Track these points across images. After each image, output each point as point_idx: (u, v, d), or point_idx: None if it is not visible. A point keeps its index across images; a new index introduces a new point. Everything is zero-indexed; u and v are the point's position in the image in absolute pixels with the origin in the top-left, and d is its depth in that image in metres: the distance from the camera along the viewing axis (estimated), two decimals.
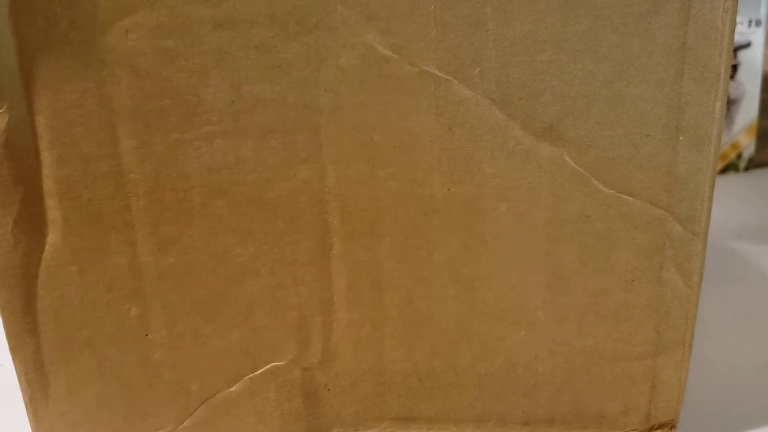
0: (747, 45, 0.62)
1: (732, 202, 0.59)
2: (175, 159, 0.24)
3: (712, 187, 0.25)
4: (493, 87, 0.24)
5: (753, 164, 0.67)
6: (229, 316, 0.27)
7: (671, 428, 0.29)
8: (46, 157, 0.24)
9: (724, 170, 0.66)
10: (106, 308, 0.26)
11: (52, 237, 0.25)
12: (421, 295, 0.26)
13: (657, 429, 0.29)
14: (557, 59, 0.23)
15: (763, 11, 0.61)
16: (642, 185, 0.25)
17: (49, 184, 0.24)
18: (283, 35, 0.23)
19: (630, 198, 0.25)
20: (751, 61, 0.63)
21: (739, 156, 0.66)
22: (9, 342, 0.26)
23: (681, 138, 0.24)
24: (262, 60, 0.23)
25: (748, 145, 0.65)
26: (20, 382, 0.27)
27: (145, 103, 0.24)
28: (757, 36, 0.62)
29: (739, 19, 0.62)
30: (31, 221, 0.25)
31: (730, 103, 0.64)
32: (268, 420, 0.28)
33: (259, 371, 0.27)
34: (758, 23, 0.62)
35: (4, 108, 0.23)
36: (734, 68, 0.63)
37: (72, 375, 0.27)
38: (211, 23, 0.23)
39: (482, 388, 0.28)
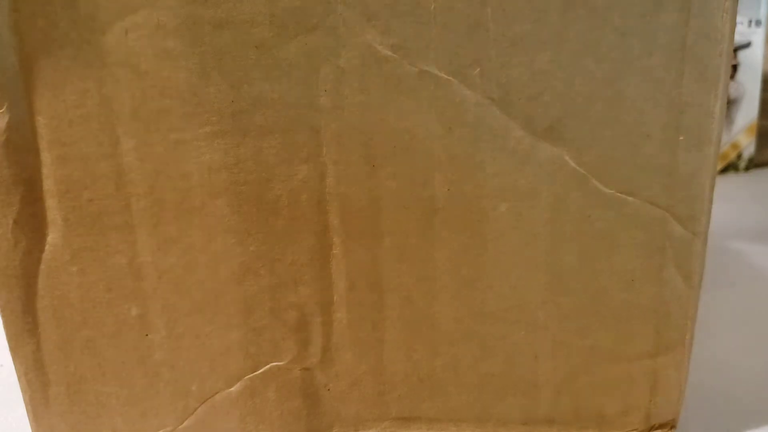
0: (747, 45, 0.62)
1: (732, 202, 0.59)
2: (175, 159, 0.24)
3: (712, 187, 0.25)
4: (493, 87, 0.24)
5: (753, 164, 0.67)
6: (229, 316, 0.27)
7: (671, 428, 0.29)
8: (46, 157, 0.24)
9: (724, 170, 0.66)
10: (106, 308, 0.26)
11: (52, 237, 0.25)
12: (421, 295, 0.26)
13: (657, 429, 0.29)
14: (557, 59, 0.23)
15: (763, 11, 0.61)
16: (642, 185, 0.25)
17: (49, 184, 0.24)
18: (283, 35, 0.23)
19: (630, 198, 0.25)
20: (751, 61, 0.63)
21: (739, 156, 0.66)
22: (9, 342, 0.26)
23: (681, 138, 0.24)
24: (262, 60, 0.23)
25: (748, 145, 0.66)
26: (20, 382, 0.27)
27: (145, 103, 0.24)
28: (757, 36, 0.62)
29: (739, 19, 0.62)
30: (31, 221, 0.25)
31: (730, 103, 0.64)
32: (268, 420, 0.28)
33: (259, 371, 0.27)
34: (758, 23, 0.62)
35: (4, 108, 0.23)
36: (734, 68, 0.63)
37: (72, 375, 0.27)
38: (211, 23, 0.23)
39: (482, 388, 0.28)
